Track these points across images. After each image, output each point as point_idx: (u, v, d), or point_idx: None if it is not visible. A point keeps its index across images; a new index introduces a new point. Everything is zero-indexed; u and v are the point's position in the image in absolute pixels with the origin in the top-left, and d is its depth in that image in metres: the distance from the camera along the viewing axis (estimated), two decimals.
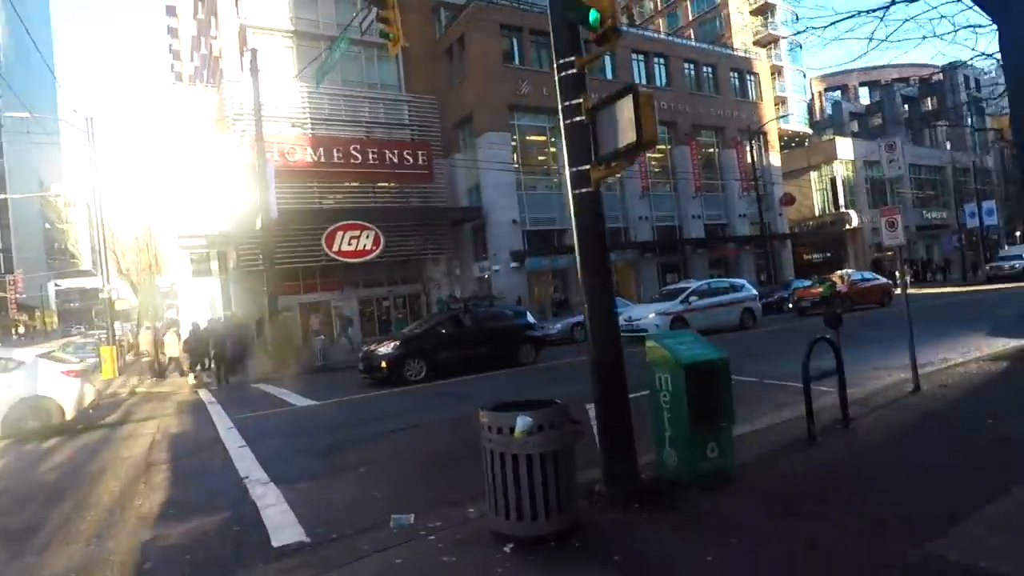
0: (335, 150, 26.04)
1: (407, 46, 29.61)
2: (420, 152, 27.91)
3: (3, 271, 70.41)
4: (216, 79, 28.93)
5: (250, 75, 20.16)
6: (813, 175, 41.59)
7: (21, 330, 76.00)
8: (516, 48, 29.13)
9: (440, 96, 29.81)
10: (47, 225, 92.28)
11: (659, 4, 56.78)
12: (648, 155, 31.55)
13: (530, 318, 15.96)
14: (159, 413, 11.63)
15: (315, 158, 25.57)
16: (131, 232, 34.23)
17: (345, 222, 25.47)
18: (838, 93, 68.33)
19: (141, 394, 16.13)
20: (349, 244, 25.60)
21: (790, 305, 24.66)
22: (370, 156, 26.73)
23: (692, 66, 34.92)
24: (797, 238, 38.55)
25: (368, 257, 26.05)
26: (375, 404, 10.49)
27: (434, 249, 28.20)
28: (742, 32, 48.25)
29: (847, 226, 39.79)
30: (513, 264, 27.52)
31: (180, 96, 27.77)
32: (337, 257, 25.35)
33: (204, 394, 14.19)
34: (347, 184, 27.18)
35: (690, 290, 18.75)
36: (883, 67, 78.02)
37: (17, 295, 70.05)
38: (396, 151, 27.35)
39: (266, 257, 17.15)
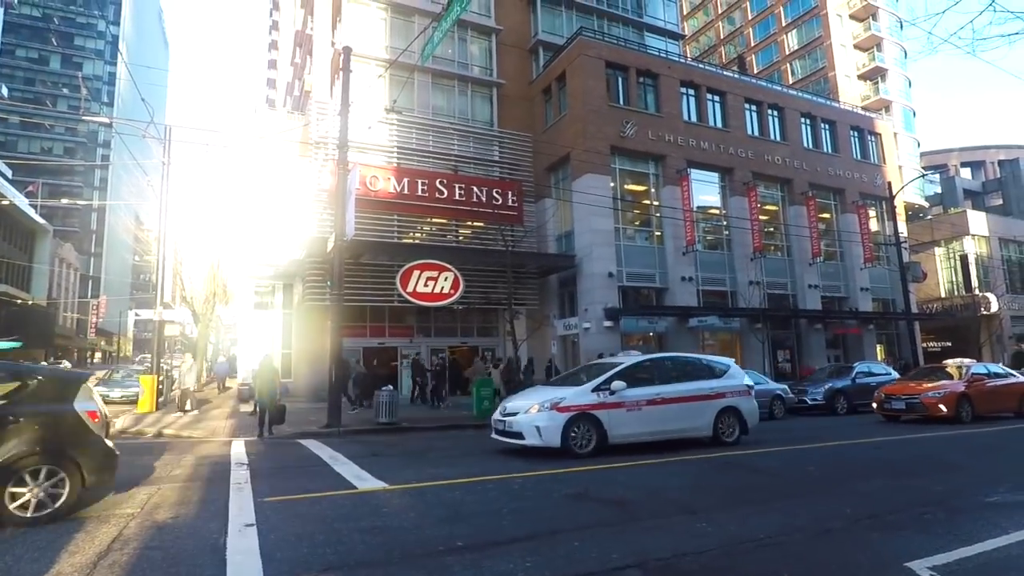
0: (420, 182, 23.41)
1: (502, 83, 27.62)
2: (510, 192, 24.97)
3: (89, 296, 71.92)
4: (303, 108, 27.41)
5: (339, 95, 17.89)
6: (939, 252, 36.20)
7: (98, 355, 77.01)
8: (620, 87, 26.29)
9: (533, 139, 27.16)
10: (136, 258, 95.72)
11: (755, 65, 53.86)
12: (759, 212, 27.58)
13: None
14: (164, 475, 8.20)
15: (398, 189, 22.97)
16: (200, 258, 32.62)
17: (423, 261, 22.47)
18: (936, 176, 62.71)
19: (167, 437, 12.95)
20: (425, 286, 22.48)
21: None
22: (456, 192, 23.94)
23: (809, 121, 31.15)
24: (926, 320, 32.87)
25: (445, 302, 22.80)
26: (528, 491, 6.70)
27: (518, 299, 24.68)
28: (849, 95, 44.32)
29: (982, 311, 33.89)
30: (607, 323, 23.57)
31: (264, 122, 26.19)
32: (411, 299, 22.22)
33: (237, 448, 10.79)
34: (428, 220, 24.40)
35: (619, 368, 10.22)
36: (987, 147, 72.12)
37: (98, 319, 71.19)
38: (484, 189, 24.50)
39: (334, 283, 14.02)
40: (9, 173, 47.76)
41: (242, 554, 4.59)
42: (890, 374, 18.93)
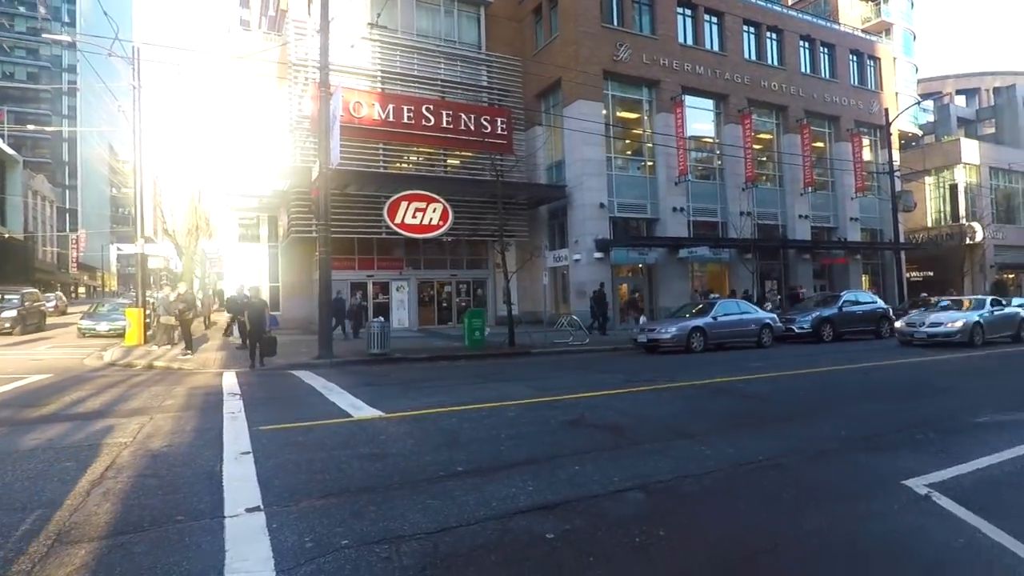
0: (406, 109, 22.49)
1: (490, 1, 26.13)
2: (499, 119, 24.13)
3: (68, 230, 70.28)
4: (280, 28, 25.84)
5: (318, 12, 16.70)
6: (929, 181, 36.01)
7: (81, 290, 76.13)
8: (615, 6, 24.96)
9: (523, 63, 25.98)
10: (114, 191, 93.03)
11: None
12: (753, 141, 27.01)
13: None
14: (156, 405, 8.13)
15: (383, 116, 22.07)
16: (181, 190, 31.65)
17: (411, 192, 21.90)
18: (930, 103, 61.55)
19: (159, 369, 12.86)
20: (414, 217, 22.02)
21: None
22: (444, 119, 23.08)
23: (808, 44, 30.04)
24: (912, 250, 33.06)
25: (434, 234, 22.43)
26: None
27: (508, 231, 24.32)
28: (849, 17, 42.66)
29: (967, 240, 34.11)
30: (597, 254, 23.41)
31: (239, 43, 24.72)
32: (399, 230, 21.81)
33: (229, 379, 10.73)
34: (416, 149, 23.63)
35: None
36: (983, 74, 70.55)
37: (79, 254, 69.93)
38: (473, 116, 23.63)
39: (320, 215, 13.60)
40: None
41: (239, 480, 4.54)
42: (876, 303, 19.17)
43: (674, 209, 25.25)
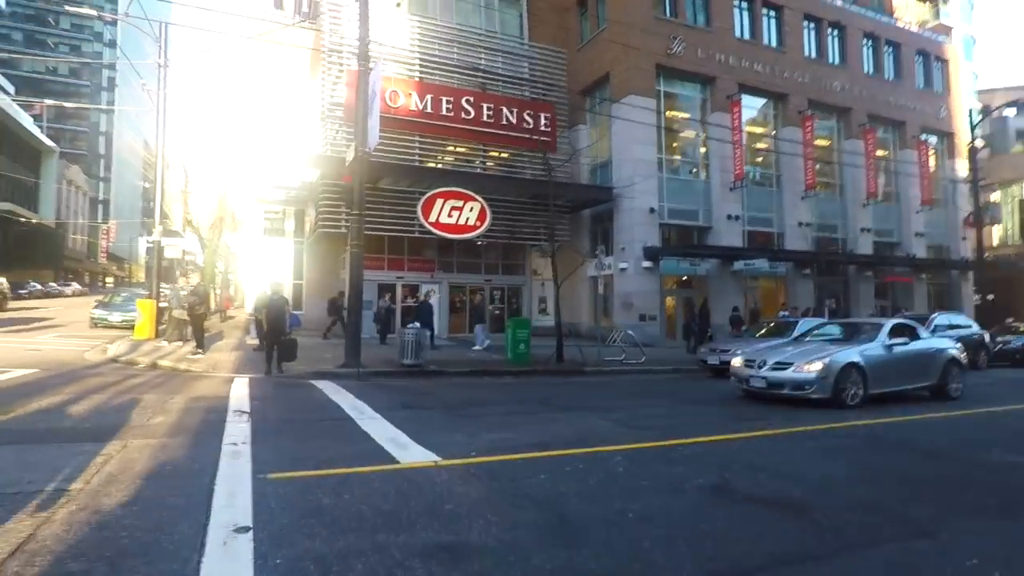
0: (445, 100, 20.68)
1: None
2: (543, 114, 22.20)
3: (99, 219, 70.11)
4: (315, 17, 24.31)
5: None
6: (995, 196, 33.19)
7: (109, 279, 75.81)
8: None
9: (567, 56, 24.07)
10: (146, 184, 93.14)
11: None
12: (813, 146, 24.73)
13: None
14: (140, 423, 6.27)
15: (420, 107, 20.28)
16: (207, 182, 30.30)
17: (447, 189, 20.08)
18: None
19: (163, 369, 11.08)
20: (449, 216, 20.17)
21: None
22: (484, 112, 21.22)
23: (871, 42, 27.70)
24: (990, 270, 30.24)
25: (470, 235, 20.54)
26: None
27: (547, 235, 22.35)
28: (905, 18, 40.10)
29: None
30: (645, 264, 21.32)
31: (272, 33, 23.19)
32: (433, 230, 19.95)
33: (239, 388, 8.86)
34: (453, 144, 21.78)
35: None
36: None
37: (108, 244, 69.65)
38: (515, 110, 21.74)
39: (354, 204, 11.78)
40: (11, 90, 44.98)
41: None
42: (971, 327, 16.66)
43: (728, 217, 23.04)
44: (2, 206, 44.12)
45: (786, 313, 20.04)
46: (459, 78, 21.62)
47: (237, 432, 5.99)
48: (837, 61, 26.52)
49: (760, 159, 25.06)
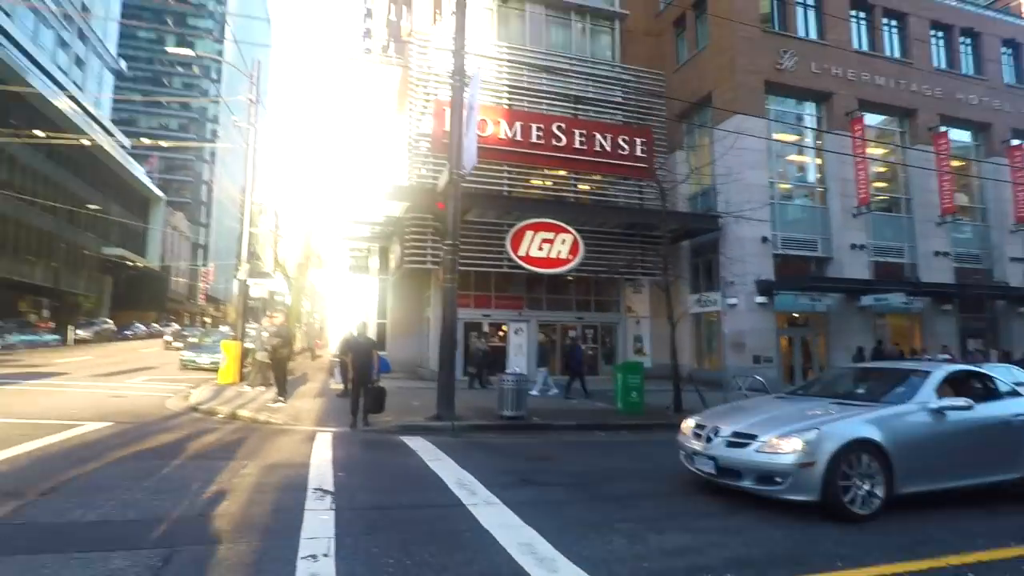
0: (534, 127, 19.37)
1: (626, 14, 22.94)
2: (638, 139, 20.44)
3: (199, 263, 74.17)
4: (403, 53, 24.01)
5: (443, 28, 14.07)
6: None
7: (207, 319, 79.78)
8: (775, 8, 20.94)
9: (664, 77, 22.36)
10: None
11: None
12: (949, 166, 21.49)
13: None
14: (195, 510, 4.79)
15: (509, 135, 19.06)
16: (296, 222, 30.46)
17: (537, 220, 18.56)
18: None
19: (242, 420, 9.85)
20: (540, 249, 18.59)
21: None
22: (576, 139, 19.73)
23: (1013, 50, 24.31)
24: None
25: (563, 268, 18.83)
26: None
27: (646, 268, 20.32)
28: None
29: None
30: (759, 299, 18.79)
31: (361, 69, 22.99)
32: (524, 264, 18.41)
33: (321, 451, 7.36)
34: (543, 172, 20.35)
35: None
36: None
37: (207, 286, 73.33)
38: (608, 136, 20.13)
39: (448, 233, 10.35)
40: (127, 144, 48.50)
41: None
42: None
43: (852, 247, 20.14)
44: (115, 251, 46.93)
45: (947, 356, 16.89)
46: (549, 104, 20.33)
47: (318, 529, 4.35)
48: (972, 71, 23.34)
49: (886, 183, 22.06)
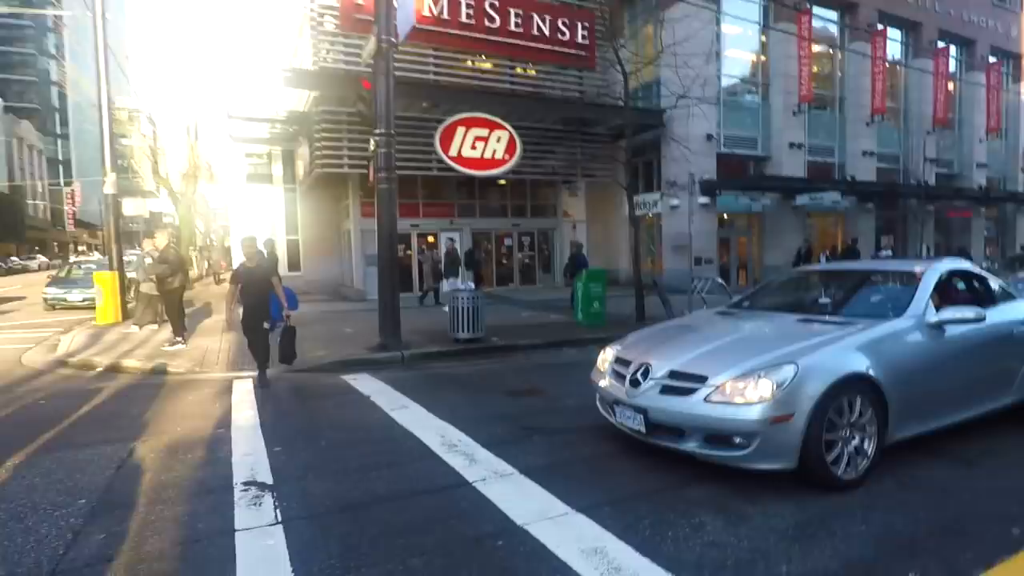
0: (464, 4, 16.37)
1: None
2: (581, 24, 18.02)
3: (62, 183, 64.00)
4: None
5: None
6: None
7: (82, 248, 70.38)
8: None
9: None
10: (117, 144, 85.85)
11: None
12: (885, 65, 21.00)
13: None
14: (70, 548, 2.77)
15: (435, 12, 15.99)
16: (175, 126, 25.73)
17: (469, 115, 16.14)
18: None
19: (129, 372, 7.48)
20: (473, 148, 16.31)
21: None
22: (511, 20, 17.01)
23: None
24: None
25: (499, 170, 16.74)
26: None
27: (586, 169, 18.66)
28: None
29: None
30: (702, 200, 17.85)
31: None
32: (456, 165, 16.11)
33: (242, 412, 5.31)
34: (475, 58, 17.57)
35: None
36: None
37: (75, 209, 63.89)
38: (547, 18, 17.54)
39: (380, 120, 8.01)
40: None
41: None
42: None
43: (791, 145, 19.50)
44: None
45: (888, 251, 16.99)
46: None
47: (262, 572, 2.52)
48: None
49: (822, 82, 21.29)
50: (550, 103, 17.47)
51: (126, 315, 11.97)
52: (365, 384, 6.37)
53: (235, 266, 8.34)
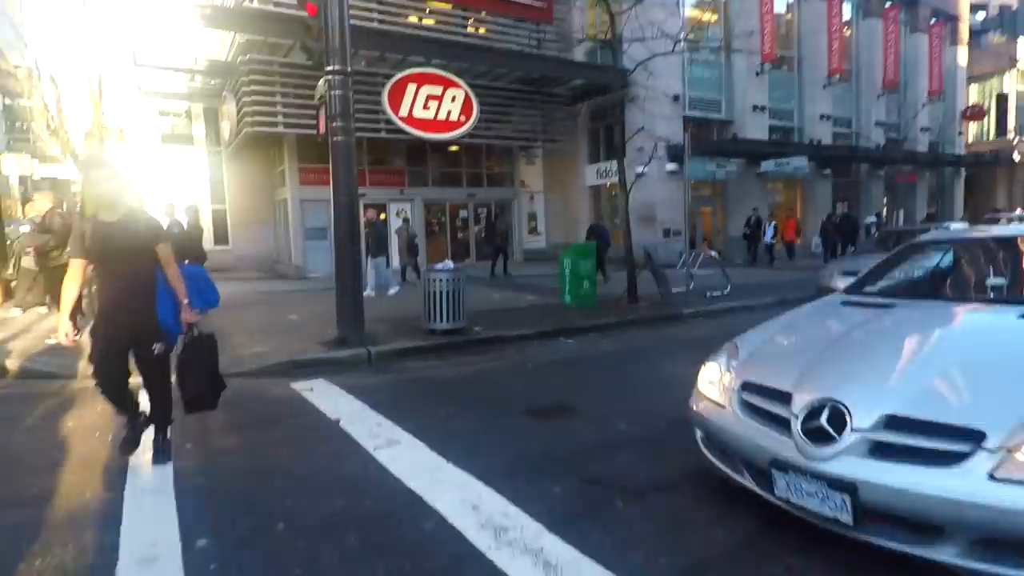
0: None
1: None
2: None
3: None
4: None
5: None
6: (973, 88, 30.73)
7: None
8: None
9: None
10: (7, 101, 76.30)
11: None
12: (841, 25, 20.48)
13: None
14: None
15: None
16: (79, 81, 22.11)
17: (421, 70, 14.30)
18: None
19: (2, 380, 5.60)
20: (426, 108, 14.50)
21: None
22: None
23: None
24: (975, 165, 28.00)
25: (455, 133, 15.03)
26: None
27: (545, 134, 17.20)
28: None
29: (1016, 159, 29.39)
30: (670, 166, 16.88)
31: None
32: (406, 127, 14.28)
33: (148, 448, 3.70)
34: (424, 6, 15.57)
35: None
36: None
37: None
38: None
39: (335, 55, 6.27)
40: None
41: None
42: None
43: (754, 108, 18.75)
44: None
45: (875, 218, 16.70)
46: None
47: None
48: None
49: (781, 40, 20.55)
50: (510, 57, 15.78)
51: (8, 294, 9.72)
52: (326, 397, 4.85)
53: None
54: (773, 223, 18.44)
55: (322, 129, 7.02)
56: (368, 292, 10.46)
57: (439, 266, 7.43)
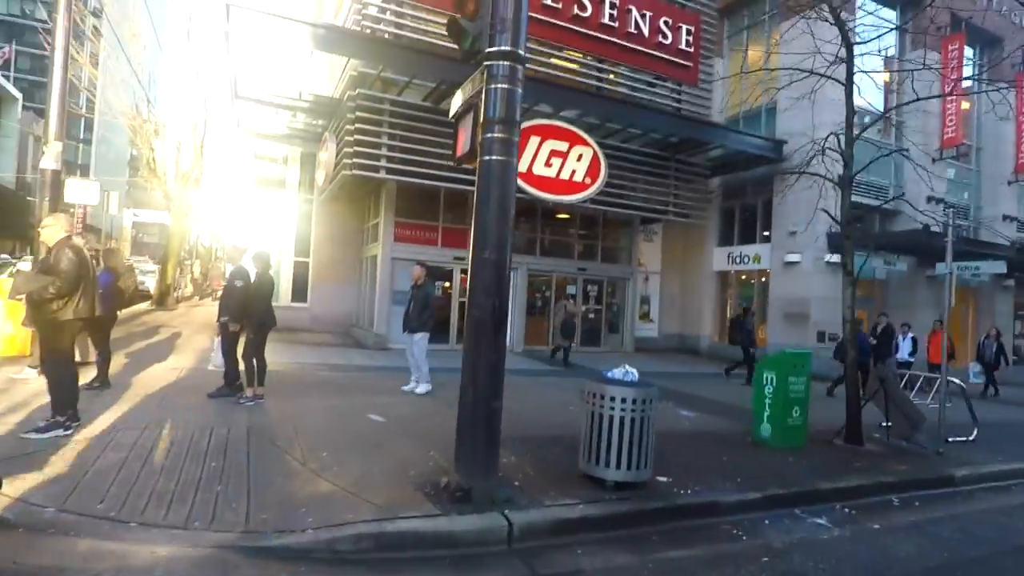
0: None
1: None
2: (685, 27, 14.23)
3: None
4: None
5: None
6: None
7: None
8: None
9: None
10: (133, 152, 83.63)
11: None
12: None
13: None
14: None
15: None
16: (181, 117, 21.99)
17: (547, 122, 12.15)
18: None
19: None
20: (548, 166, 12.17)
21: None
22: (605, 11, 13.21)
23: None
24: None
25: (579, 196, 12.52)
26: None
27: (678, 207, 14.51)
28: None
29: None
30: (831, 257, 13.68)
31: None
32: (525, 185, 11.90)
33: None
34: (551, 54, 13.65)
35: None
36: None
37: (85, 213, 60.40)
38: (648, 15, 13.76)
39: (507, 24, 3.81)
40: None
41: None
42: None
43: (929, 199, 15.37)
44: None
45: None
46: None
47: None
48: None
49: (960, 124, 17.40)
50: (657, 115, 13.39)
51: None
52: None
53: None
54: (911, 335, 14.11)
55: (462, 146, 4.57)
56: (411, 387, 7.74)
57: (616, 374, 4.55)
